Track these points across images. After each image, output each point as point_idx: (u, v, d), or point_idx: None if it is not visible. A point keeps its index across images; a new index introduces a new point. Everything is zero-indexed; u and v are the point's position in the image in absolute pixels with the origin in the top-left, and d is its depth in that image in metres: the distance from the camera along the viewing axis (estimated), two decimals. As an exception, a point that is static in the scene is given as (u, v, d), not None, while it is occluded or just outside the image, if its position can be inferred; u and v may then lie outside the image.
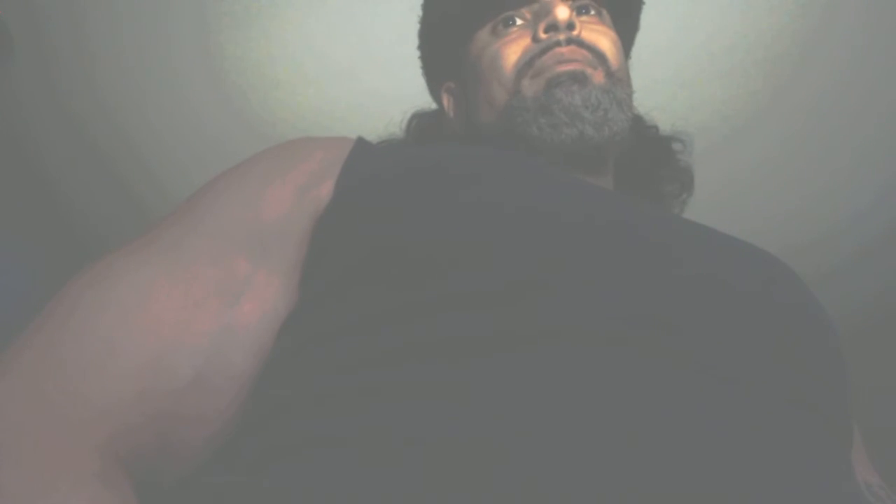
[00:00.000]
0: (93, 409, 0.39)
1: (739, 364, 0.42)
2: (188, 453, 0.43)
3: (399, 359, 0.41)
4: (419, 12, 0.80)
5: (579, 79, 0.63)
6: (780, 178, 1.56)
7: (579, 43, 0.65)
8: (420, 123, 0.79)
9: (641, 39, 0.81)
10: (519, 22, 0.68)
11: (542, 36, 0.65)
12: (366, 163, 0.53)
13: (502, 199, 0.48)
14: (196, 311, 0.44)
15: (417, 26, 0.80)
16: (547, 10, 0.66)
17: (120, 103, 1.53)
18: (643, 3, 0.78)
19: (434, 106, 0.83)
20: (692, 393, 0.39)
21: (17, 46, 1.41)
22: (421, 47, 0.81)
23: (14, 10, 1.38)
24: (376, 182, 0.51)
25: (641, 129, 0.78)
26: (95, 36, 1.44)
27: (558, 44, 0.64)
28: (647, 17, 0.80)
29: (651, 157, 0.77)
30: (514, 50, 0.67)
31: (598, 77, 0.64)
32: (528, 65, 0.65)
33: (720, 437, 0.37)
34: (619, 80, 0.65)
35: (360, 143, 0.57)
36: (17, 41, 1.40)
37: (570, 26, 0.65)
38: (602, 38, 0.67)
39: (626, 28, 0.76)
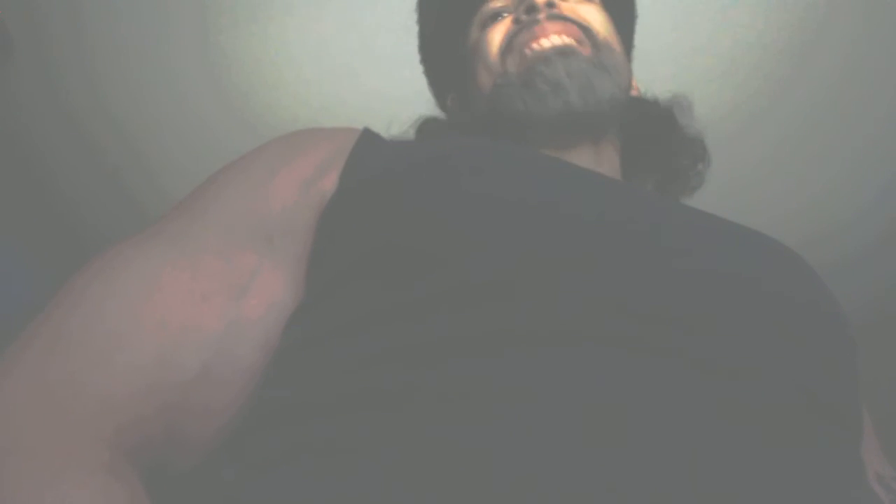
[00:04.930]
0: (100, 402, 0.39)
1: (749, 360, 0.42)
2: (196, 445, 0.43)
3: (400, 360, 0.41)
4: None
5: (565, 52, 0.63)
6: (779, 177, 1.55)
7: (561, 17, 0.65)
8: (429, 125, 0.79)
9: (641, 40, 0.81)
10: (505, 14, 0.70)
11: (523, 18, 0.66)
12: (371, 154, 0.53)
13: (505, 192, 0.47)
14: (203, 305, 0.44)
15: (416, 37, 0.81)
16: None
17: (120, 104, 1.53)
18: None
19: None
20: (698, 392, 0.39)
21: (17, 46, 1.41)
22: (423, 62, 0.81)
23: (14, 10, 1.38)
24: (381, 174, 0.50)
25: (644, 108, 0.77)
26: (95, 36, 1.44)
27: (538, 21, 0.65)
28: (648, 18, 0.80)
29: (657, 134, 0.76)
30: (497, 33, 0.68)
31: (584, 50, 0.64)
32: (509, 45, 0.66)
33: (727, 438, 0.37)
34: (605, 48, 0.65)
35: (366, 134, 0.56)
36: (17, 41, 1.40)
37: (550, 5, 0.65)
38: (586, 11, 0.68)
39: (620, 12, 0.75)
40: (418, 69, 0.83)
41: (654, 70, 0.81)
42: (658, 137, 0.75)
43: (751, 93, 1.48)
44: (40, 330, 0.42)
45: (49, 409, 0.38)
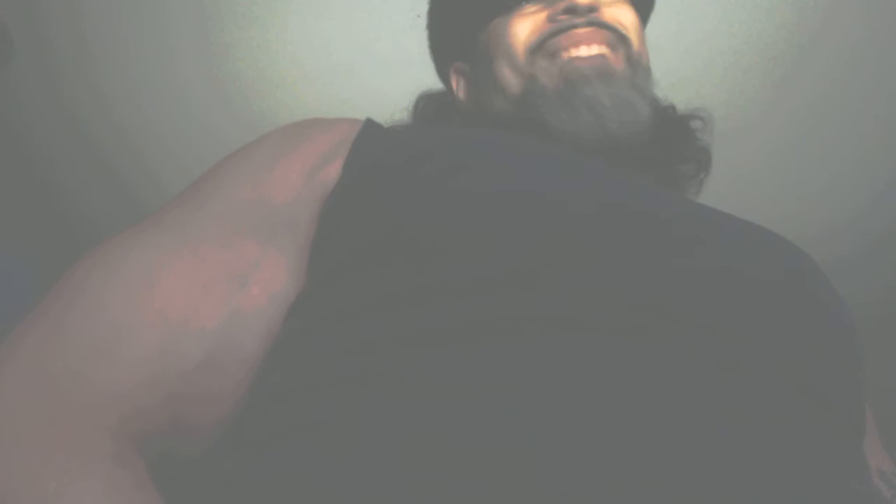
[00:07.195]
0: (103, 392, 0.39)
1: (750, 355, 0.42)
2: (200, 432, 0.43)
3: (399, 346, 0.41)
4: (419, 11, 0.79)
5: (603, 75, 0.60)
6: (779, 178, 1.56)
7: (600, 24, 0.62)
8: (428, 105, 0.77)
9: (641, 39, 0.81)
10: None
11: (560, 17, 0.62)
12: (375, 144, 0.52)
13: (506, 183, 0.47)
14: (204, 295, 0.44)
15: (421, 18, 0.79)
16: None
17: (120, 103, 1.53)
18: None
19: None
20: (699, 386, 0.39)
21: (17, 46, 1.41)
22: (430, 26, 0.79)
23: (14, 11, 1.38)
24: (384, 164, 0.50)
25: (658, 108, 0.77)
26: (95, 36, 1.44)
27: (575, 27, 0.61)
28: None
29: (668, 137, 0.73)
30: (525, 27, 0.63)
31: (618, 63, 0.61)
32: (539, 45, 0.62)
33: (728, 432, 0.37)
34: (637, 63, 0.63)
35: (369, 124, 0.56)
36: (17, 41, 1.40)
37: (592, 9, 0.62)
38: (625, 16, 0.64)
39: (642, 5, 0.73)
40: (418, 69, 0.83)
41: (654, 70, 0.81)
42: (667, 140, 0.74)
43: (751, 93, 1.48)
44: (40, 321, 0.42)
45: (52, 401, 0.38)
